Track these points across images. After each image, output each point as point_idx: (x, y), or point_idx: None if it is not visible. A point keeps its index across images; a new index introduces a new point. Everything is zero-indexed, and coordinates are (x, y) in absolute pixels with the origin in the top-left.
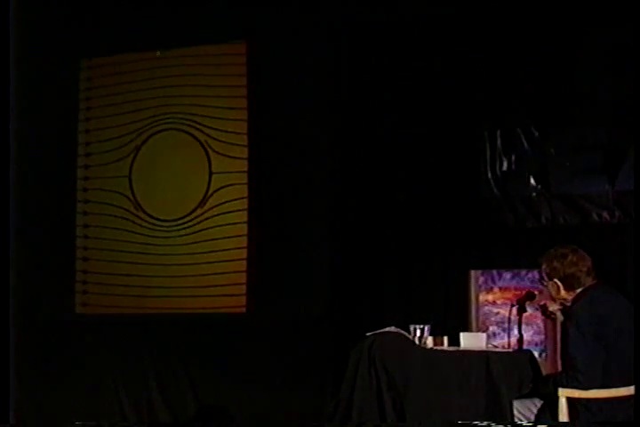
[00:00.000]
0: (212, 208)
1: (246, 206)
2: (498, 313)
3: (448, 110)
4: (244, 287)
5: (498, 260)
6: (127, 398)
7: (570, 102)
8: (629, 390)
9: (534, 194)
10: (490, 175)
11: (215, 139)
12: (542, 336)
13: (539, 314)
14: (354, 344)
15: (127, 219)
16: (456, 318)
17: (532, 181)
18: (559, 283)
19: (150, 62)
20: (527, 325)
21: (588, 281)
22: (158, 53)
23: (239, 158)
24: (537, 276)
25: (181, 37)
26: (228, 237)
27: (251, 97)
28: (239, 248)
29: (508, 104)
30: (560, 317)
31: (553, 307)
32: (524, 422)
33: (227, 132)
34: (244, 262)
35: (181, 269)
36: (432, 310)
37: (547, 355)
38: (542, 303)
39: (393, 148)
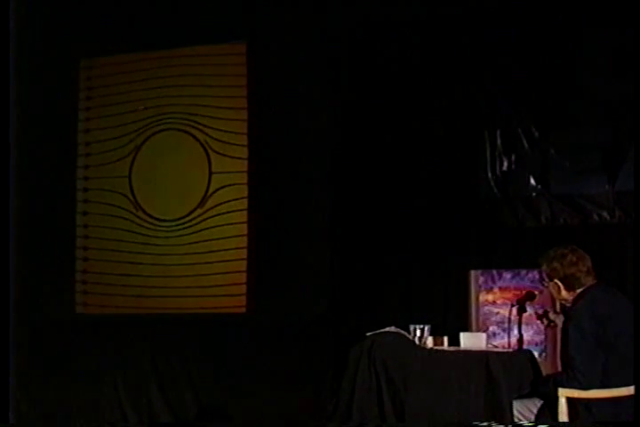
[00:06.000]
0: (211, 208)
1: (246, 206)
2: (498, 313)
3: (448, 110)
4: (244, 287)
5: (498, 260)
6: (127, 398)
7: (570, 102)
8: (629, 390)
9: (534, 194)
10: (490, 175)
11: (215, 139)
12: (542, 336)
13: (541, 311)
14: (354, 344)
15: (127, 219)
16: (456, 318)
17: (532, 181)
18: (560, 283)
19: (150, 62)
20: (527, 325)
21: (589, 281)
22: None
23: (239, 158)
24: (537, 276)
25: (181, 37)
26: (228, 237)
27: (251, 97)
28: (239, 248)
29: (507, 104)
30: (559, 324)
31: (553, 315)
32: (524, 423)
33: (227, 132)
34: (244, 262)
35: (181, 269)
36: (432, 310)
37: (547, 355)
38: (542, 312)
39: (393, 148)
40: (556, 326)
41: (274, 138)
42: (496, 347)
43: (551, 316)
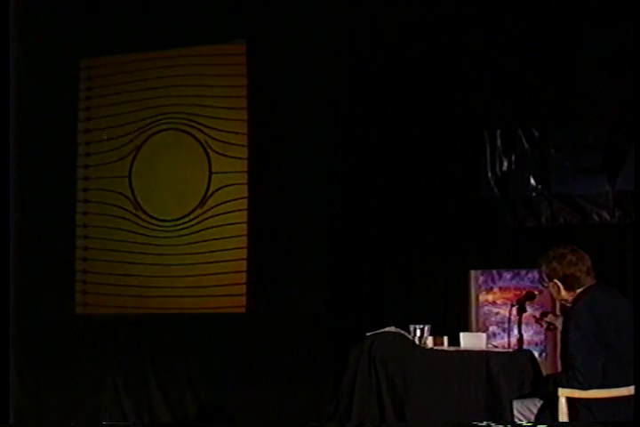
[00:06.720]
0: (211, 208)
1: (246, 206)
2: (498, 313)
3: (448, 110)
4: (244, 287)
5: (498, 260)
6: (127, 398)
7: (570, 102)
8: (629, 390)
9: (534, 194)
10: (490, 175)
11: (215, 139)
12: (542, 336)
13: (538, 314)
14: (354, 344)
15: (127, 219)
16: (456, 318)
17: (532, 181)
18: (559, 283)
19: (150, 62)
20: (527, 325)
21: (588, 281)
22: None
23: (239, 158)
24: (537, 276)
25: (181, 37)
26: (228, 237)
27: (251, 97)
28: (239, 248)
29: (508, 104)
30: (559, 326)
31: (552, 318)
32: (524, 423)
33: (227, 132)
34: (244, 262)
35: (181, 269)
36: (432, 310)
37: (547, 355)
38: (540, 315)
39: (393, 148)
40: (555, 328)
41: (274, 138)
42: (496, 347)
43: (550, 318)
